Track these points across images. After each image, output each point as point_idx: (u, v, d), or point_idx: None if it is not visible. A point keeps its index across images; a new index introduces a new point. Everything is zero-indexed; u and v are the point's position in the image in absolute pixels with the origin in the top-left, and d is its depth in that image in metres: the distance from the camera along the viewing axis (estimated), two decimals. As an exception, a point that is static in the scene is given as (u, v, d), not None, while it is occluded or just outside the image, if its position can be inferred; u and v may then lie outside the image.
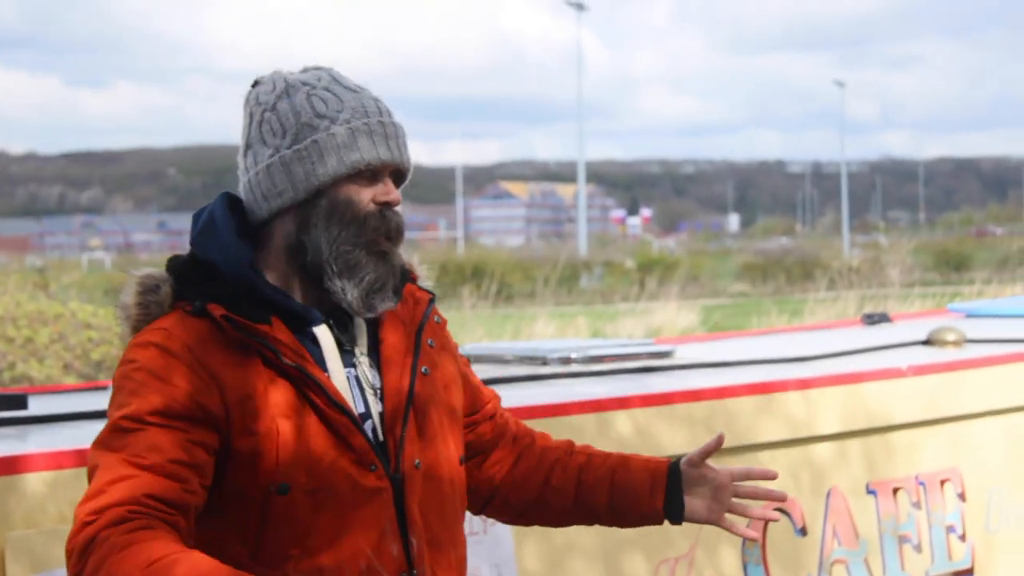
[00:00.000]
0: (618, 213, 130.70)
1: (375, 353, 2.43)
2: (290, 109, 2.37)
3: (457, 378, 2.58)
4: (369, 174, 2.37)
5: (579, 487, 2.66)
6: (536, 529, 3.89)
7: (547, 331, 18.48)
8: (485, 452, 2.68)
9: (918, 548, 4.72)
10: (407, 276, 2.51)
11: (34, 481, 2.99)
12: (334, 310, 2.39)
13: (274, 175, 2.36)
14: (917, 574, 4.71)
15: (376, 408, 2.39)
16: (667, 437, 4.16)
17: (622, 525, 2.70)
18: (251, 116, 2.41)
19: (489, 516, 2.74)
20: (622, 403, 4.13)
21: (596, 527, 2.70)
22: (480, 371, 4.94)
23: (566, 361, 5.03)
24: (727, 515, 2.60)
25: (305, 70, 2.44)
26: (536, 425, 3.92)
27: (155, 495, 2.16)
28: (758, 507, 2.65)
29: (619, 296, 29.69)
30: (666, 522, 2.64)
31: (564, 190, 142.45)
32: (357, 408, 2.36)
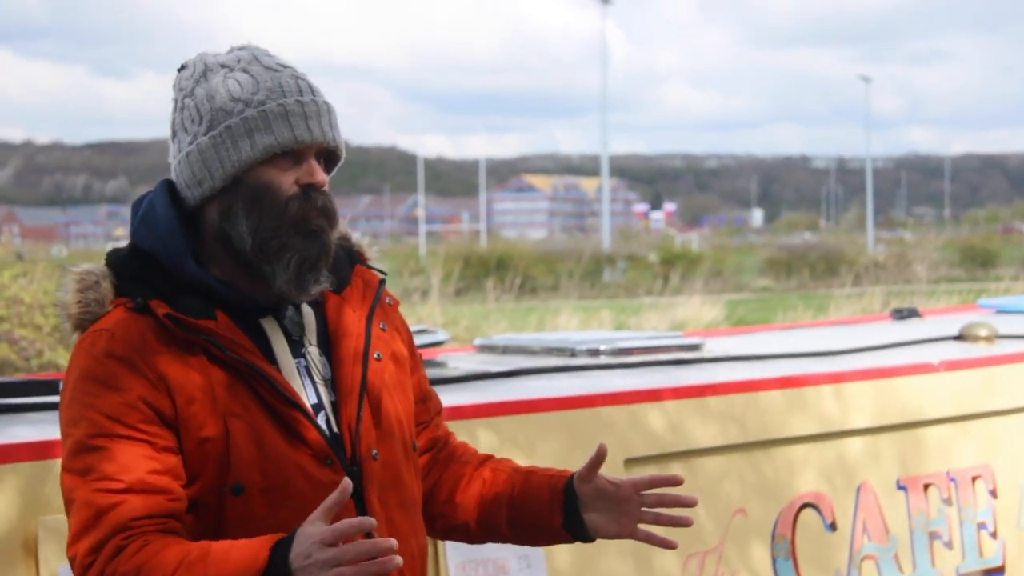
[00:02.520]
0: (641, 207, 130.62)
1: (325, 341, 2.34)
2: (205, 94, 2.27)
3: (408, 361, 2.47)
4: (291, 156, 2.26)
5: (480, 503, 2.50)
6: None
7: (571, 324, 18.48)
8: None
9: (949, 545, 4.69)
10: (355, 257, 2.42)
11: (67, 467, 2.97)
12: (281, 298, 2.29)
13: (193, 163, 2.27)
14: (948, 571, 4.68)
15: (328, 399, 2.30)
16: (699, 430, 4.14)
17: (534, 544, 2.54)
18: (175, 102, 2.34)
19: None
20: (654, 395, 4.11)
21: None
22: (508, 362, 4.94)
23: (595, 353, 4.97)
24: (640, 526, 2.40)
25: (230, 51, 2.34)
26: (565, 417, 3.94)
27: (143, 516, 2.12)
28: (669, 514, 2.41)
29: (642, 290, 29.63)
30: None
31: (587, 184, 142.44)
32: (309, 400, 2.27)
